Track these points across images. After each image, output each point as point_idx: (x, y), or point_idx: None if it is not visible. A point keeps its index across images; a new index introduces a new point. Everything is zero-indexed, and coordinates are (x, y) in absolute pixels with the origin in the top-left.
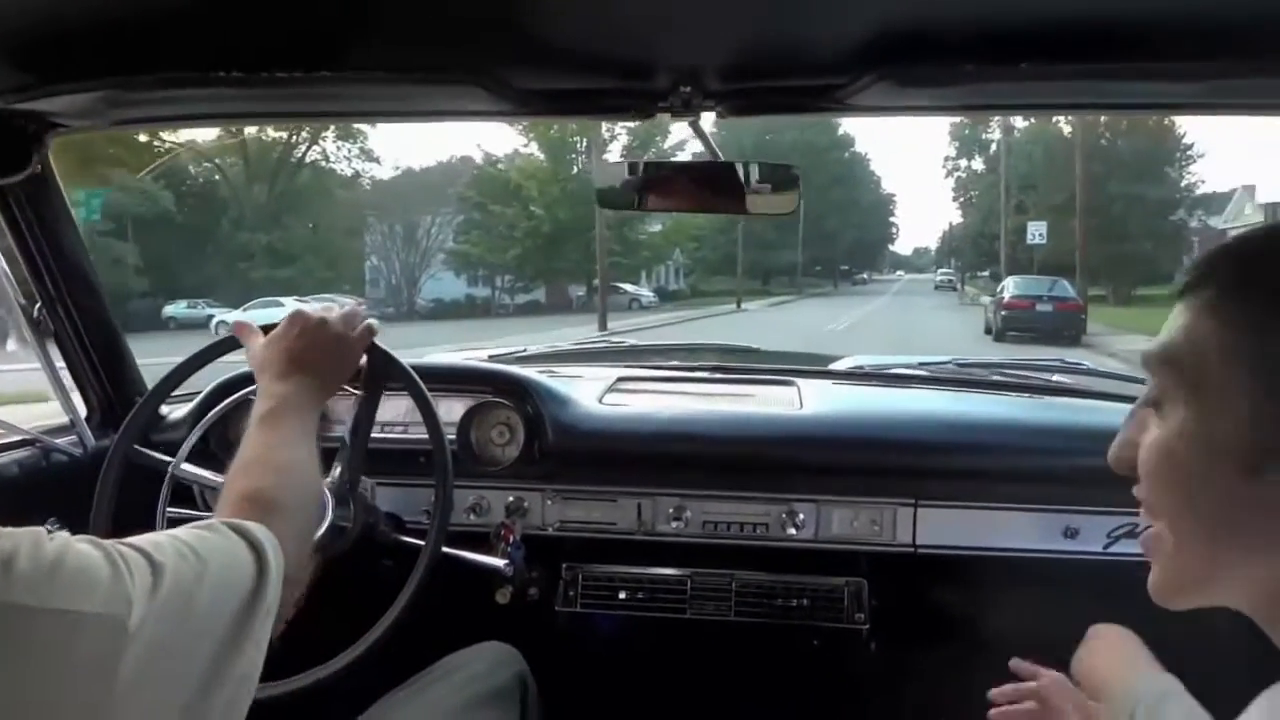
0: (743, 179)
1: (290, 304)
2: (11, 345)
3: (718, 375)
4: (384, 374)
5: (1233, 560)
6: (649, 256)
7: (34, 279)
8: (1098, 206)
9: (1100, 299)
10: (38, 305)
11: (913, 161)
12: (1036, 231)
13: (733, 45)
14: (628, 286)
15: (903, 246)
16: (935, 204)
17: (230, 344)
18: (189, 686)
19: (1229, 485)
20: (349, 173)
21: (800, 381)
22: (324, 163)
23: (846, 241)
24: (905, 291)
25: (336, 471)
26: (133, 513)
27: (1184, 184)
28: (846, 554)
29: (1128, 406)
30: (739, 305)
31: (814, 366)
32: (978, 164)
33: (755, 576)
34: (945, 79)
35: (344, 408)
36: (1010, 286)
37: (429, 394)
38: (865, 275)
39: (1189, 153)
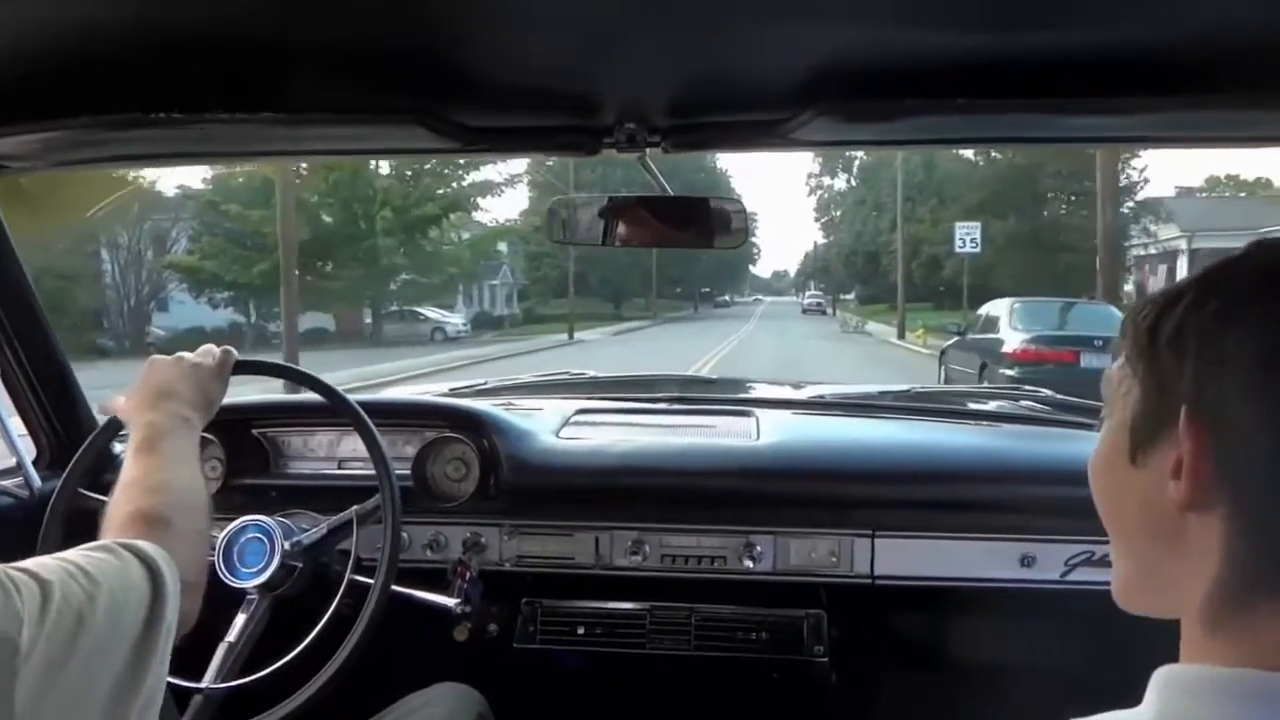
0: (701, 212)
1: None
2: None
3: (677, 406)
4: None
5: (1154, 561)
6: (456, 274)
7: None
8: (1024, 207)
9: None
10: None
11: (773, 179)
12: (967, 235)
13: (676, 82)
14: (430, 312)
15: (761, 269)
16: (795, 225)
17: (115, 425)
18: (95, 707)
19: (1123, 478)
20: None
21: (759, 411)
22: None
23: (709, 262)
24: (771, 315)
25: (316, 536)
26: None
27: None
28: (805, 586)
29: (1086, 434)
30: (571, 335)
31: (773, 395)
32: (840, 182)
33: (714, 610)
34: (884, 114)
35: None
36: (1013, 318)
37: (376, 431)
38: (728, 298)
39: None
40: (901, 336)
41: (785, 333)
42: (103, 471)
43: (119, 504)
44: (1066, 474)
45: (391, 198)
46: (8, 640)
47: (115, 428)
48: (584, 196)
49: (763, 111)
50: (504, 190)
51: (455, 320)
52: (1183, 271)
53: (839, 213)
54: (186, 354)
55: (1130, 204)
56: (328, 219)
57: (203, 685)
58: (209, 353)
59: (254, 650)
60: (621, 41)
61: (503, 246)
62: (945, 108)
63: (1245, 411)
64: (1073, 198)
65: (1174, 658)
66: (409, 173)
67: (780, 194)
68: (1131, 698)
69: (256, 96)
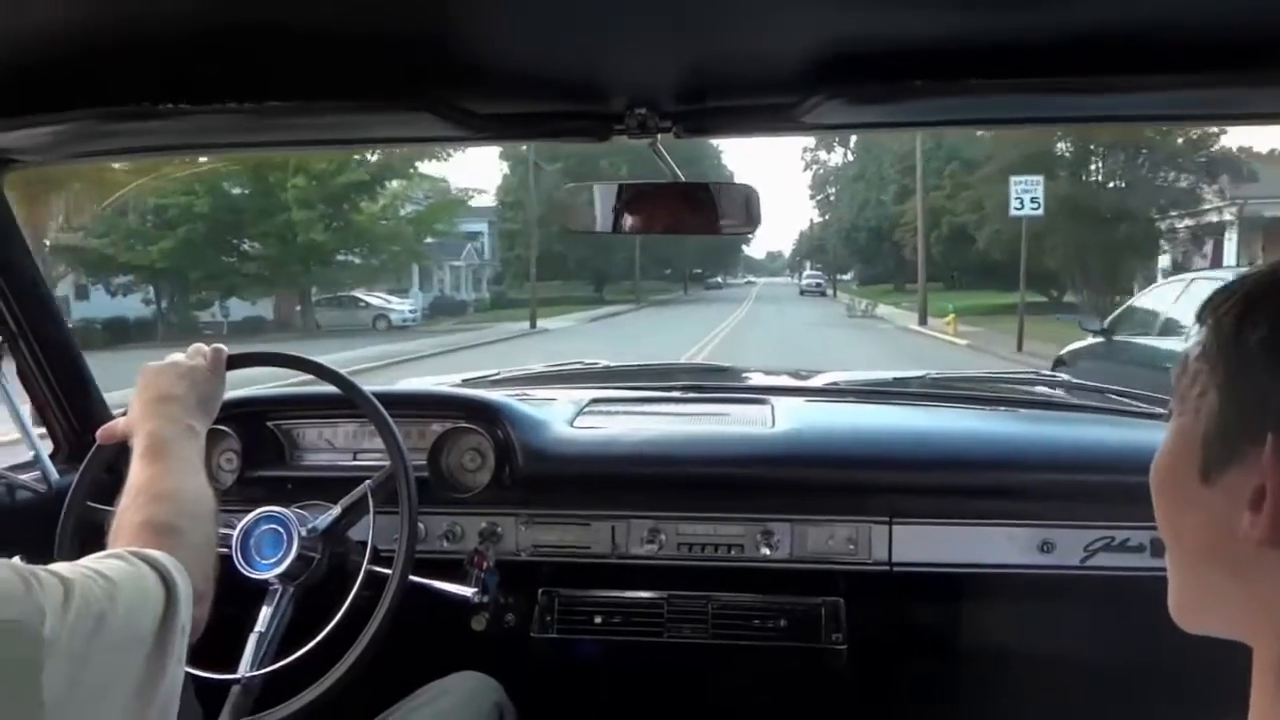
0: (712, 198)
1: None
2: None
3: (691, 395)
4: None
5: (1219, 589)
6: (400, 253)
7: None
8: (1078, 164)
9: None
10: None
11: (766, 157)
12: (1026, 194)
13: (687, 68)
14: (372, 297)
15: (755, 250)
16: (789, 204)
17: (107, 452)
18: (121, 701)
19: (1189, 494)
20: None
21: (774, 399)
22: None
23: (698, 242)
24: (767, 297)
25: (329, 519)
26: (98, 550)
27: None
28: (823, 573)
29: (1106, 419)
30: (533, 324)
31: (788, 383)
32: (836, 157)
33: (732, 598)
34: (894, 96)
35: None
36: None
37: (391, 421)
38: (720, 279)
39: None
40: (924, 322)
41: (784, 318)
42: (122, 469)
43: (127, 512)
44: (1085, 460)
45: (307, 162)
46: (32, 631)
47: (107, 455)
48: (595, 185)
49: (773, 96)
50: (450, 155)
51: (402, 307)
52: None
53: (835, 190)
54: (178, 356)
55: (1202, 157)
56: (238, 190)
57: (239, 675)
58: (200, 352)
59: (283, 640)
60: (631, 27)
61: (482, 227)
62: (957, 89)
63: None
64: (1140, 152)
65: (1189, 647)
66: None
67: (774, 172)
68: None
69: (264, 86)
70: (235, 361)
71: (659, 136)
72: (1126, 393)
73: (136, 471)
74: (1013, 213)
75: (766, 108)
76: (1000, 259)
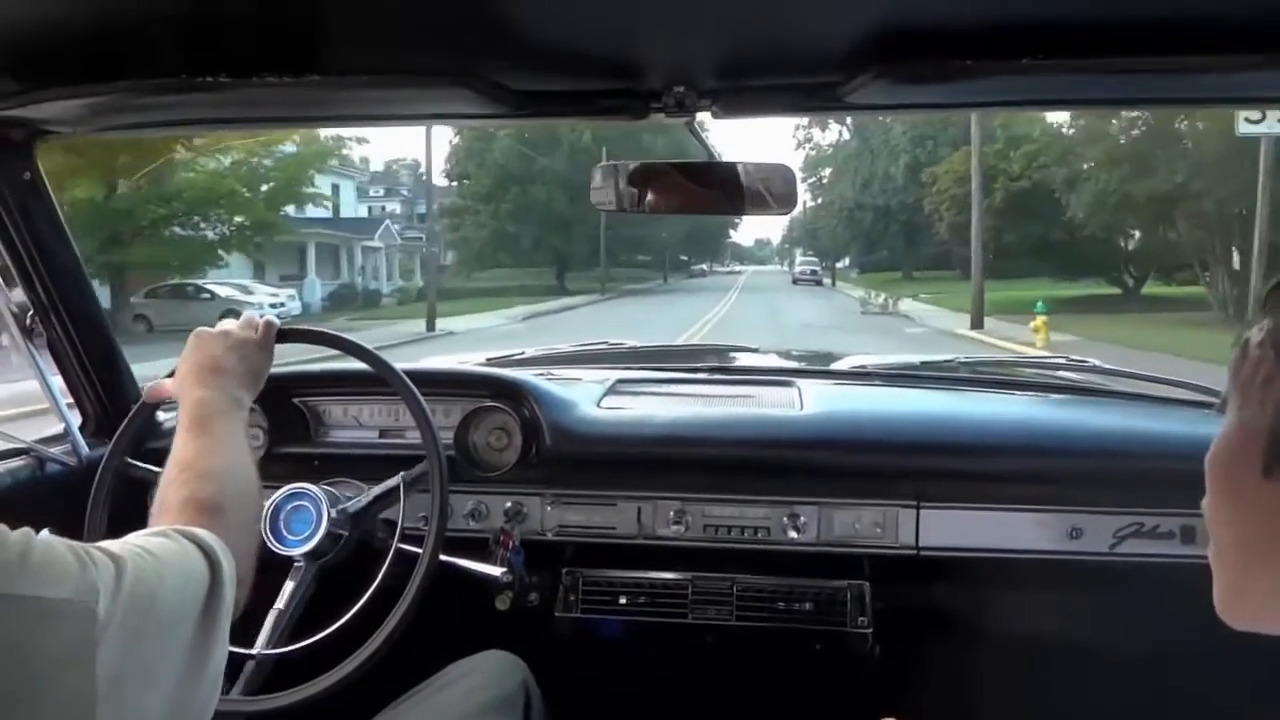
0: (742, 178)
1: None
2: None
3: (717, 376)
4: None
5: (1271, 581)
6: (247, 227)
7: (25, 286)
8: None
9: None
10: (30, 313)
11: (752, 136)
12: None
13: (727, 44)
14: (223, 287)
15: (742, 237)
16: None
17: (148, 410)
18: (171, 680)
19: (1250, 490)
20: None
21: (800, 382)
22: None
23: (680, 227)
24: (755, 287)
25: (362, 503)
26: (128, 523)
27: None
28: (849, 556)
29: (1135, 404)
30: (431, 326)
31: (815, 366)
32: (830, 135)
33: (757, 580)
34: (945, 75)
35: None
36: None
37: (423, 399)
38: (704, 267)
39: None
40: (979, 325)
41: (778, 317)
42: (147, 439)
43: (172, 485)
44: (1115, 446)
45: None
46: (88, 610)
47: (149, 410)
48: (619, 163)
49: (818, 74)
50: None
51: (260, 298)
52: None
53: (830, 171)
54: (230, 325)
55: None
56: None
57: (254, 651)
58: (251, 324)
59: (301, 618)
60: (672, 3)
61: (393, 207)
62: (1011, 69)
63: None
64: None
65: (1218, 636)
66: None
67: (761, 154)
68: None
69: (301, 60)
70: (285, 335)
71: (695, 116)
72: (1155, 378)
73: (183, 443)
74: (1243, 130)
75: (809, 86)
76: (1093, 233)
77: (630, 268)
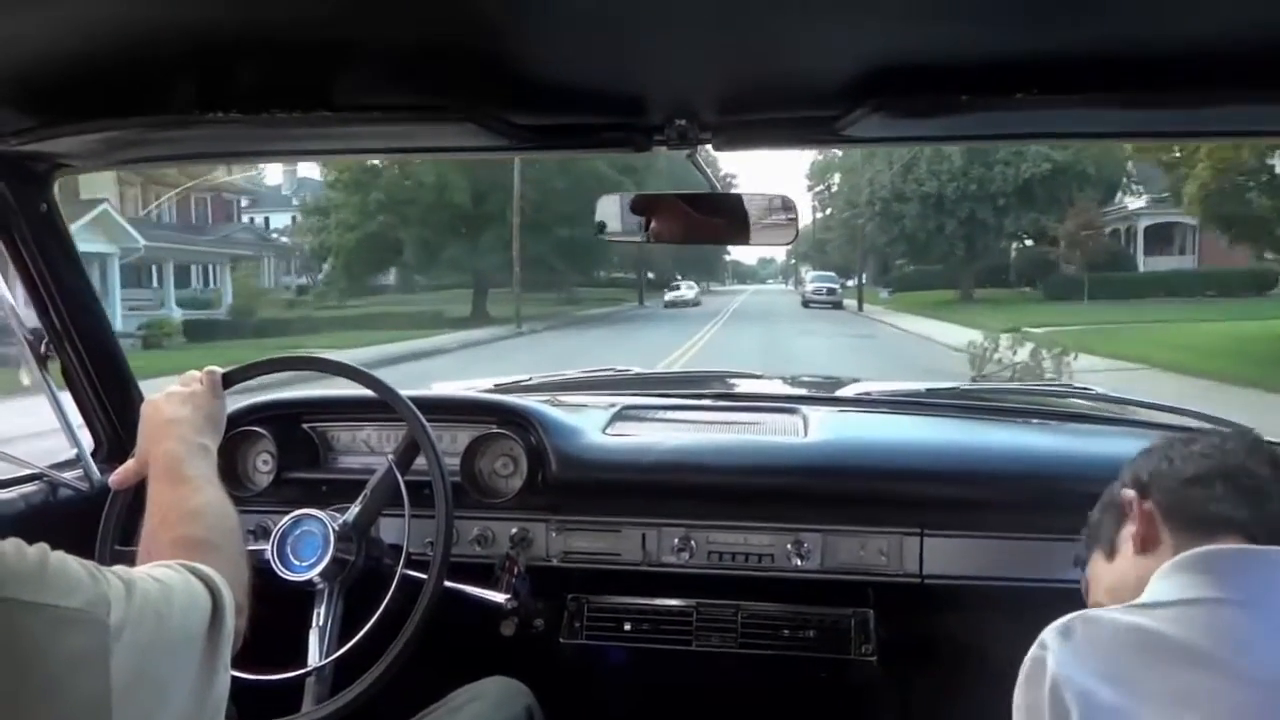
0: (746, 208)
1: None
2: (22, 380)
3: (722, 403)
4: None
5: None
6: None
7: (40, 314)
8: None
9: None
10: (44, 341)
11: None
12: None
13: (728, 80)
14: None
15: (744, 254)
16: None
17: (121, 499)
18: (181, 700)
19: None
20: None
21: (805, 409)
22: None
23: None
24: (750, 315)
25: (357, 508)
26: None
27: None
28: (853, 584)
29: (1139, 431)
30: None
31: (820, 393)
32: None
33: (761, 607)
34: (940, 109)
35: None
36: None
37: (428, 426)
38: (684, 287)
39: None
40: None
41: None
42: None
43: (157, 533)
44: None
45: None
46: (98, 620)
47: (122, 500)
48: (624, 195)
49: (816, 108)
50: None
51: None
52: None
53: (837, 177)
54: (174, 386)
55: None
56: None
57: (310, 667)
58: (193, 379)
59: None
60: (675, 40)
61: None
62: (1005, 104)
63: None
64: None
65: None
66: None
67: (763, 167)
68: None
69: (311, 96)
70: (231, 378)
71: (697, 148)
72: (1162, 405)
73: (160, 491)
74: None
75: (808, 120)
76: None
77: (601, 287)
